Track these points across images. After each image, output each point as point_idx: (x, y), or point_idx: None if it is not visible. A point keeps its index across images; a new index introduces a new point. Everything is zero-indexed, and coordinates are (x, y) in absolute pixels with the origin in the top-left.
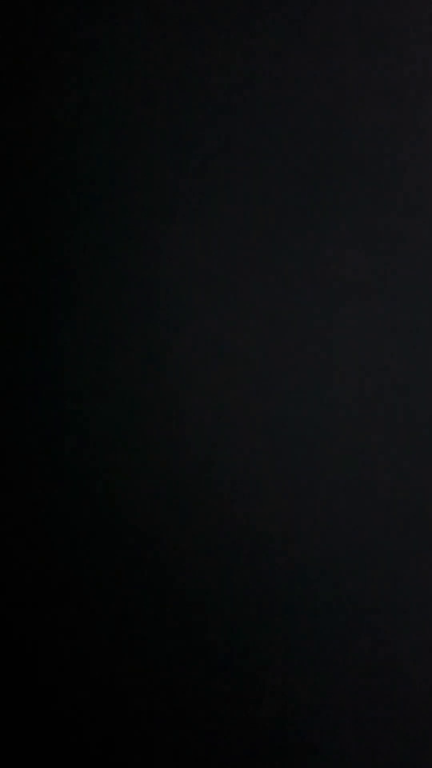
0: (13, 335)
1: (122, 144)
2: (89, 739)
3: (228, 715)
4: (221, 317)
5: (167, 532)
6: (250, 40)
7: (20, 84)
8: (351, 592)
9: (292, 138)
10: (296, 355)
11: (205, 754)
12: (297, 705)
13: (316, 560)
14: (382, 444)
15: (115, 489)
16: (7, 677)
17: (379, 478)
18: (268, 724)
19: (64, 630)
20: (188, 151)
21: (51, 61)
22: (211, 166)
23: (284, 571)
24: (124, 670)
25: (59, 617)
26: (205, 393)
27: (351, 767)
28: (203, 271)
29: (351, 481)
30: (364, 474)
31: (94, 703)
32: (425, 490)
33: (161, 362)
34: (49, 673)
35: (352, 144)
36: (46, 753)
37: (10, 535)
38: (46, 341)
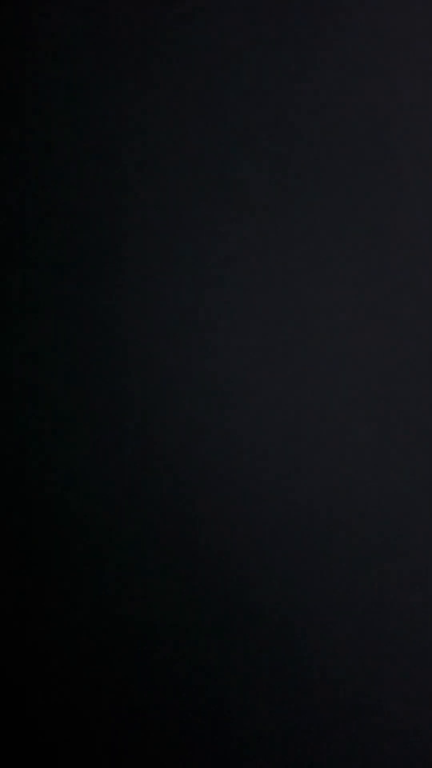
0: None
1: (120, 147)
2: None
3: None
4: (221, 320)
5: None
6: (249, 44)
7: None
8: (353, 605)
9: (292, 144)
10: (296, 359)
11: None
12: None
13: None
14: (386, 456)
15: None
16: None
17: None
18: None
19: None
20: (190, 143)
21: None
22: (211, 166)
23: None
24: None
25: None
26: (203, 396)
27: None
28: (202, 271)
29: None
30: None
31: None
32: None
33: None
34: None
35: (351, 144)
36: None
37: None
38: (44, 344)
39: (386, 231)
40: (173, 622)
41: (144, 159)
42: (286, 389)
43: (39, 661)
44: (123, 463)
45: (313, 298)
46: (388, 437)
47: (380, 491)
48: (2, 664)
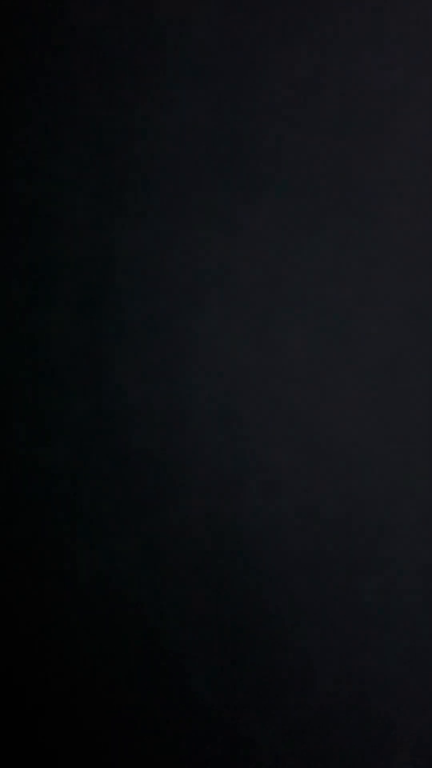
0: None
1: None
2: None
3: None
4: (219, 323)
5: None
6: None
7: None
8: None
9: (293, 148)
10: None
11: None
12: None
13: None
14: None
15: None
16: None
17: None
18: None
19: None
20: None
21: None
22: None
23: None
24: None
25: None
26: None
27: None
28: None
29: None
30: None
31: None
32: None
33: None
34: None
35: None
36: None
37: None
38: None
39: (385, 232)
40: (176, 628)
41: (146, 160)
42: (288, 393)
43: (39, 661)
44: (122, 469)
45: (315, 304)
46: (394, 447)
47: (382, 495)
48: (2, 663)
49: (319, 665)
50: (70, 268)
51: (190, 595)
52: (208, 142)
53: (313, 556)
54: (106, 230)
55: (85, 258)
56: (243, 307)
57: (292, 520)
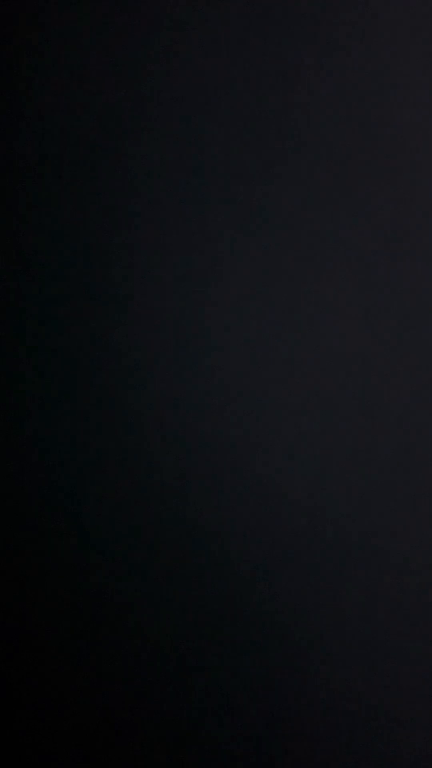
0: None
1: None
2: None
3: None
4: (222, 329)
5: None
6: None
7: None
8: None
9: (297, 154)
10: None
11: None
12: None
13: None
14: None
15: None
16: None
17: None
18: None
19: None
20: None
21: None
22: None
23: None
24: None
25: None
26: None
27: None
28: (203, 284)
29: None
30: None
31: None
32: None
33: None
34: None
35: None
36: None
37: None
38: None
39: (389, 237)
40: (172, 628)
41: (147, 164)
42: (287, 395)
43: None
44: (122, 469)
45: (315, 305)
46: (390, 449)
47: (380, 496)
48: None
49: (320, 667)
50: (73, 267)
51: (190, 595)
52: (212, 137)
53: (313, 556)
54: (107, 227)
55: (90, 255)
56: (248, 303)
57: (292, 520)
